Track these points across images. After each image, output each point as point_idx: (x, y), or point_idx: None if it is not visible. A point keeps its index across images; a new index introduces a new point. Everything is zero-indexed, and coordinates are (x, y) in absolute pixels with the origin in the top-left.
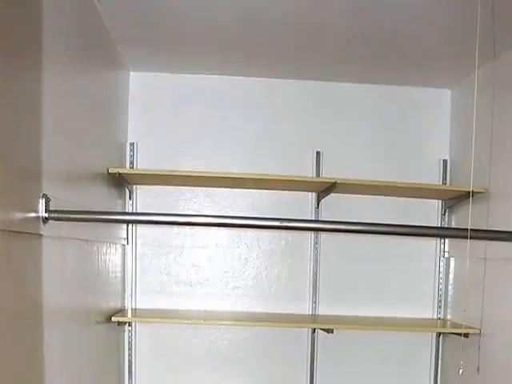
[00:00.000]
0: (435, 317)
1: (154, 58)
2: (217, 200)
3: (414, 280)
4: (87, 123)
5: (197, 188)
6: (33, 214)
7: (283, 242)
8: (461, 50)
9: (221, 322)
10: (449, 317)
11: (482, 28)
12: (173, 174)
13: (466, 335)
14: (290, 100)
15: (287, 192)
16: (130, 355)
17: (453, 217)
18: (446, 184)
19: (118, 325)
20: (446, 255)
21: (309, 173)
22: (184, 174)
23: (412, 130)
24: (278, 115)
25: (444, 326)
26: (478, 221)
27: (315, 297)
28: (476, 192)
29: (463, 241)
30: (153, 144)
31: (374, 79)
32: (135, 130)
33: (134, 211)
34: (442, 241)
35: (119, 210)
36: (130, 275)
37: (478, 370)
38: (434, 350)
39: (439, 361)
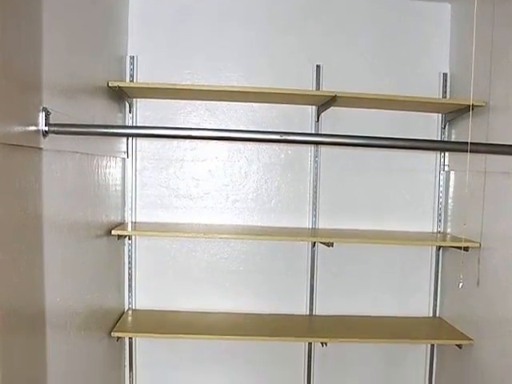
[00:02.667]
0: (435, 230)
1: None
2: (217, 113)
3: (414, 194)
4: (87, 36)
5: (197, 101)
6: (33, 128)
7: (283, 156)
8: None
9: (221, 235)
10: (449, 230)
11: None
12: (173, 87)
13: (466, 249)
14: (291, 13)
15: (287, 105)
16: (129, 268)
17: (453, 130)
18: (445, 97)
19: (118, 238)
20: (446, 169)
21: (309, 86)
22: (184, 87)
23: (412, 43)
24: (278, 28)
25: (444, 239)
26: (478, 134)
27: (315, 210)
28: (476, 105)
29: (463, 154)
30: (153, 57)
31: None
32: (135, 43)
33: (134, 125)
34: (442, 154)
35: (119, 123)
36: (129, 189)
37: (477, 283)
38: (433, 264)
39: (439, 274)
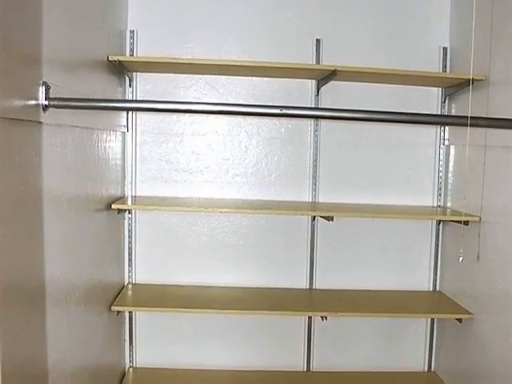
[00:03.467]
0: (435, 204)
1: None
2: (217, 87)
3: (414, 168)
4: (87, 10)
5: (197, 75)
6: (33, 102)
7: (283, 130)
8: None
9: (221, 209)
10: (449, 204)
11: None
12: (173, 61)
13: (466, 223)
14: None
15: (287, 80)
16: (129, 242)
17: (453, 105)
18: (445, 71)
19: (118, 212)
20: (446, 143)
21: (309, 60)
22: (184, 61)
23: (412, 17)
24: (278, 2)
25: (444, 213)
26: (478, 108)
27: (315, 184)
28: (476, 79)
29: (463, 128)
30: (153, 31)
31: None
32: (135, 17)
33: (134, 99)
34: (442, 128)
35: (119, 97)
36: (129, 163)
37: (477, 257)
38: (434, 238)
39: (439, 248)
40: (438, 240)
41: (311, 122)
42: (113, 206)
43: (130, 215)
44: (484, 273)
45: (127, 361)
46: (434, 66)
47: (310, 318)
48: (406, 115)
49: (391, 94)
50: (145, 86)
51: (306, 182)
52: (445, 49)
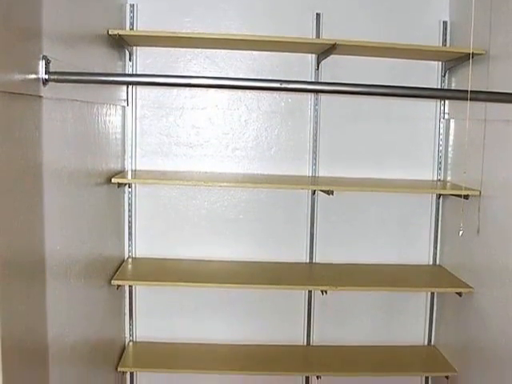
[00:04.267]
0: (435, 179)
1: None
2: (217, 61)
3: (414, 142)
4: None
5: (197, 49)
6: (33, 76)
7: (283, 104)
8: None
9: (221, 183)
10: (449, 178)
11: None
12: (173, 35)
13: (466, 197)
14: None
15: (287, 54)
16: (129, 216)
17: (453, 79)
18: (445, 45)
19: (118, 186)
20: (446, 117)
21: (309, 34)
22: (184, 35)
23: None
24: None
25: (444, 187)
26: (478, 82)
27: (315, 159)
28: (476, 54)
29: (463, 102)
30: (153, 5)
31: None
32: None
33: (134, 73)
34: (442, 102)
35: (119, 71)
36: (129, 137)
37: (477, 231)
38: (433, 212)
39: (439, 222)
40: (438, 214)
41: (311, 96)
42: (113, 180)
43: (129, 189)
44: (484, 247)
45: (127, 335)
46: (434, 40)
47: (310, 292)
48: (406, 89)
49: (391, 68)
50: (145, 60)
51: (306, 156)
52: (445, 23)
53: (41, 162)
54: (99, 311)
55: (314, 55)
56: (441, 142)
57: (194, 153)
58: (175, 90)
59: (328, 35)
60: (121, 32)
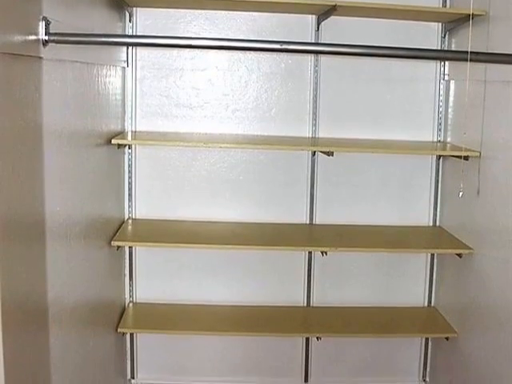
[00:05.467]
0: (435, 140)
1: None
2: (217, 23)
3: (414, 103)
4: None
5: (197, 11)
6: (33, 37)
7: (283, 65)
8: None
9: (221, 144)
10: (449, 140)
11: None
12: None
13: (466, 158)
14: None
15: (287, 15)
16: (129, 178)
17: (453, 40)
18: (445, 6)
19: (118, 147)
20: (446, 78)
21: None
22: None
23: None
24: None
25: (444, 148)
26: (478, 44)
27: (315, 120)
28: (476, 15)
29: (463, 64)
30: None
31: None
32: None
33: (134, 34)
34: (442, 64)
35: (119, 32)
36: (129, 98)
37: (477, 192)
38: (433, 173)
39: (439, 184)
40: (437, 175)
41: (311, 57)
42: (113, 141)
43: (129, 150)
44: (484, 208)
45: (127, 296)
46: (434, 1)
47: (310, 253)
48: (406, 50)
49: (391, 30)
50: (145, 21)
51: (306, 118)
52: None
53: (41, 123)
54: (99, 272)
55: (314, 16)
56: (441, 103)
57: (194, 114)
58: (175, 51)
59: None
60: None
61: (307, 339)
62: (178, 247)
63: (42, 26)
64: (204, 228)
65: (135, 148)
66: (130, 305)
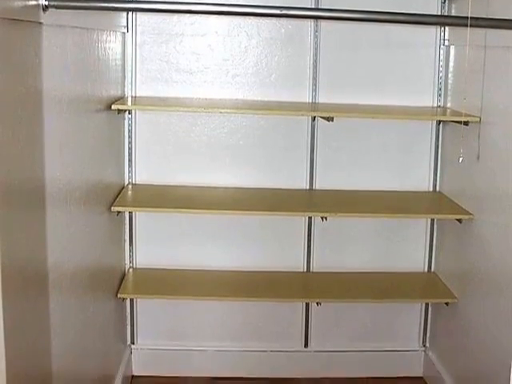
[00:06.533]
0: (435, 105)
1: None
2: None
3: (415, 68)
4: None
5: None
6: (33, 2)
7: (283, 31)
8: None
9: (221, 109)
10: (449, 105)
11: None
12: None
13: (466, 123)
14: None
15: None
16: (129, 143)
17: (453, 5)
18: None
19: (118, 113)
20: (446, 43)
21: None
22: None
23: None
24: None
25: (444, 114)
26: (478, 9)
27: (315, 85)
28: None
29: (463, 29)
30: None
31: None
32: None
33: None
34: (442, 29)
35: None
36: (129, 63)
37: (477, 157)
38: (433, 139)
39: (439, 149)
40: (437, 140)
41: (311, 22)
42: (113, 107)
43: (129, 116)
44: (484, 173)
45: (127, 261)
46: None
47: (310, 218)
48: (406, 16)
49: None
50: None
51: (306, 83)
52: None
53: (41, 89)
54: (99, 238)
55: None
56: (441, 69)
57: (194, 79)
58: (175, 16)
59: None
60: None
61: (307, 304)
62: (177, 212)
63: None
64: (204, 193)
65: (135, 113)
66: (130, 270)
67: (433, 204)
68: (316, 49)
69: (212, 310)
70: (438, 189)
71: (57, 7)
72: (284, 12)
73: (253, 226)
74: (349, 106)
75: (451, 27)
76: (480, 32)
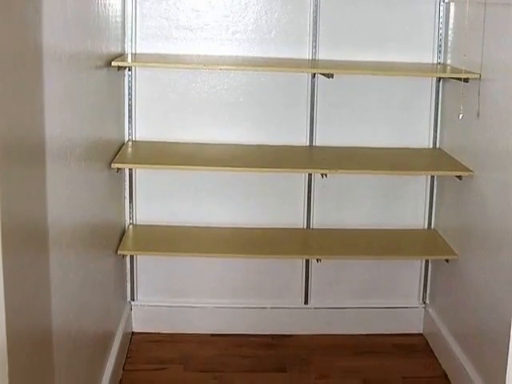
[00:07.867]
0: (435, 62)
1: None
2: None
3: (415, 25)
4: None
5: None
6: None
7: None
8: None
9: (221, 66)
10: (449, 62)
11: None
12: None
13: (466, 80)
14: None
15: None
16: (129, 100)
17: None
18: None
19: (118, 69)
20: (446, 0)
21: None
22: None
23: None
24: None
25: (444, 70)
26: None
27: (315, 42)
28: None
29: None
30: None
31: None
32: None
33: None
34: None
35: None
36: (129, 20)
37: (477, 114)
38: (433, 96)
39: (439, 106)
40: (438, 97)
41: None
42: (113, 63)
43: (129, 72)
44: (484, 130)
45: (127, 218)
46: None
47: (310, 175)
48: None
49: None
50: None
51: (306, 40)
52: None
53: (41, 45)
54: (99, 195)
55: None
56: (441, 25)
57: (194, 36)
58: None
59: None
60: None
61: (307, 261)
62: (177, 169)
63: None
64: (204, 150)
65: (135, 70)
66: (130, 227)
67: (433, 160)
68: (316, 5)
69: (212, 267)
70: (437, 145)
71: None
72: None
73: (253, 183)
74: (349, 62)
75: None
76: None
